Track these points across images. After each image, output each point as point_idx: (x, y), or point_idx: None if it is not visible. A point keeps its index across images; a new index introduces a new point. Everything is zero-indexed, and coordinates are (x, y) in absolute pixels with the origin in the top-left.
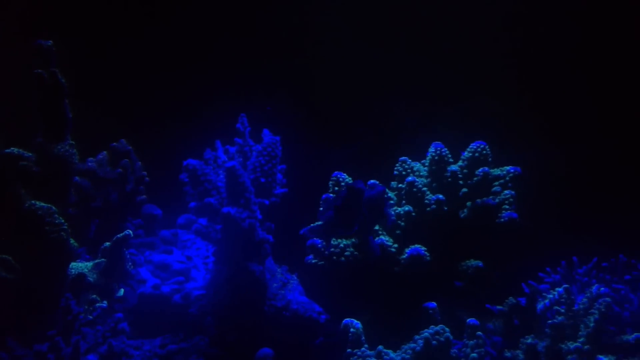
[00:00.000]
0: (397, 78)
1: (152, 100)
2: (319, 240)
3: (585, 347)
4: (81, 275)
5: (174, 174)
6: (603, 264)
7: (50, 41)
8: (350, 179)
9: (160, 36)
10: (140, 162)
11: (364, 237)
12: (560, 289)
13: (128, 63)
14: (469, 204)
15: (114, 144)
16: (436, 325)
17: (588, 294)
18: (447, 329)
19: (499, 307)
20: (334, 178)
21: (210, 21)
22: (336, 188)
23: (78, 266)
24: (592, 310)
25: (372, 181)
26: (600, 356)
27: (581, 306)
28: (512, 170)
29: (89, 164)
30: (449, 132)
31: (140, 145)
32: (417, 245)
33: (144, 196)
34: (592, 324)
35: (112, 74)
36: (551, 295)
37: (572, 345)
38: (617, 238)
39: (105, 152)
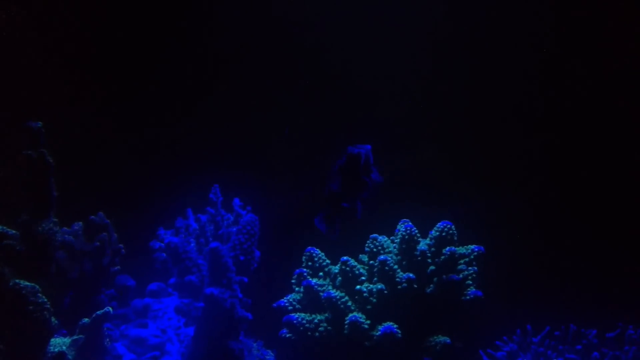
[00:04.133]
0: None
1: (121, 167)
2: (295, 316)
3: None
4: (62, 354)
5: (142, 237)
6: (555, 333)
7: (40, 122)
8: (323, 254)
9: (129, 105)
10: (116, 235)
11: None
12: None
13: (96, 130)
14: (435, 279)
15: (92, 217)
16: None
17: None
18: None
19: None
20: (307, 253)
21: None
22: (309, 263)
23: (57, 342)
24: None
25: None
26: None
27: None
28: (476, 250)
29: (66, 236)
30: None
31: (106, 209)
32: (389, 323)
33: (118, 267)
34: None
35: (81, 139)
36: None
37: None
38: (568, 304)
39: (80, 223)
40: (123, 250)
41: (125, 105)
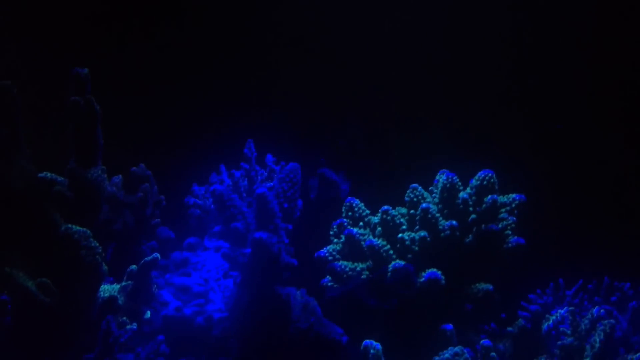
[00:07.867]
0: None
1: (151, 122)
2: (338, 264)
3: None
4: (113, 298)
5: (173, 193)
6: (588, 286)
7: (87, 69)
8: (362, 204)
9: (161, 60)
10: (157, 186)
11: None
12: (562, 311)
13: (126, 84)
14: (475, 228)
15: (134, 168)
16: (454, 346)
17: (589, 316)
18: (465, 350)
19: (509, 328)
20: (347, 204)
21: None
22: (350, 213)
23: (106, 289)
24: (595, 332)
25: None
26: None
27: (583, 327)
28: (517, 198)
29: (109, 188)
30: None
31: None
32: (433, 269)
33: (159, 219)
34: (597, 345)
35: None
36: (554, 317)
37: None
38: (600, 257)
39: (120, 175)
40: (164, 201)
41: (162, 54)
